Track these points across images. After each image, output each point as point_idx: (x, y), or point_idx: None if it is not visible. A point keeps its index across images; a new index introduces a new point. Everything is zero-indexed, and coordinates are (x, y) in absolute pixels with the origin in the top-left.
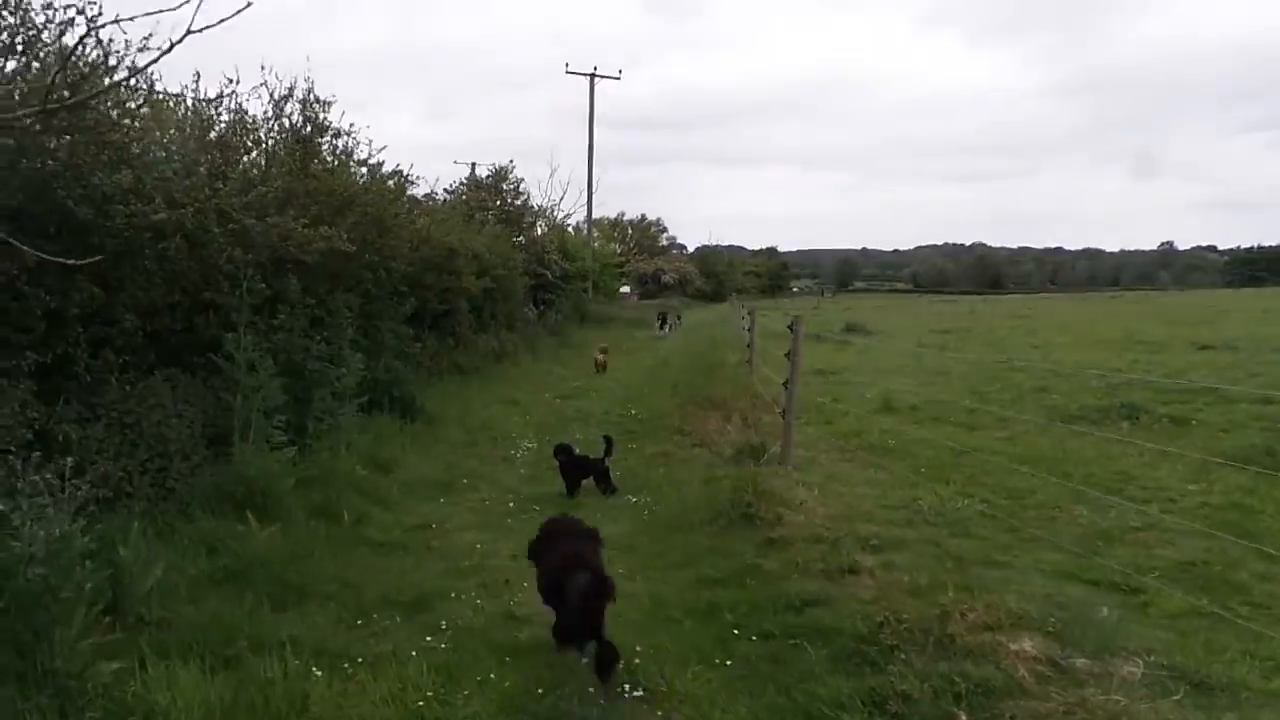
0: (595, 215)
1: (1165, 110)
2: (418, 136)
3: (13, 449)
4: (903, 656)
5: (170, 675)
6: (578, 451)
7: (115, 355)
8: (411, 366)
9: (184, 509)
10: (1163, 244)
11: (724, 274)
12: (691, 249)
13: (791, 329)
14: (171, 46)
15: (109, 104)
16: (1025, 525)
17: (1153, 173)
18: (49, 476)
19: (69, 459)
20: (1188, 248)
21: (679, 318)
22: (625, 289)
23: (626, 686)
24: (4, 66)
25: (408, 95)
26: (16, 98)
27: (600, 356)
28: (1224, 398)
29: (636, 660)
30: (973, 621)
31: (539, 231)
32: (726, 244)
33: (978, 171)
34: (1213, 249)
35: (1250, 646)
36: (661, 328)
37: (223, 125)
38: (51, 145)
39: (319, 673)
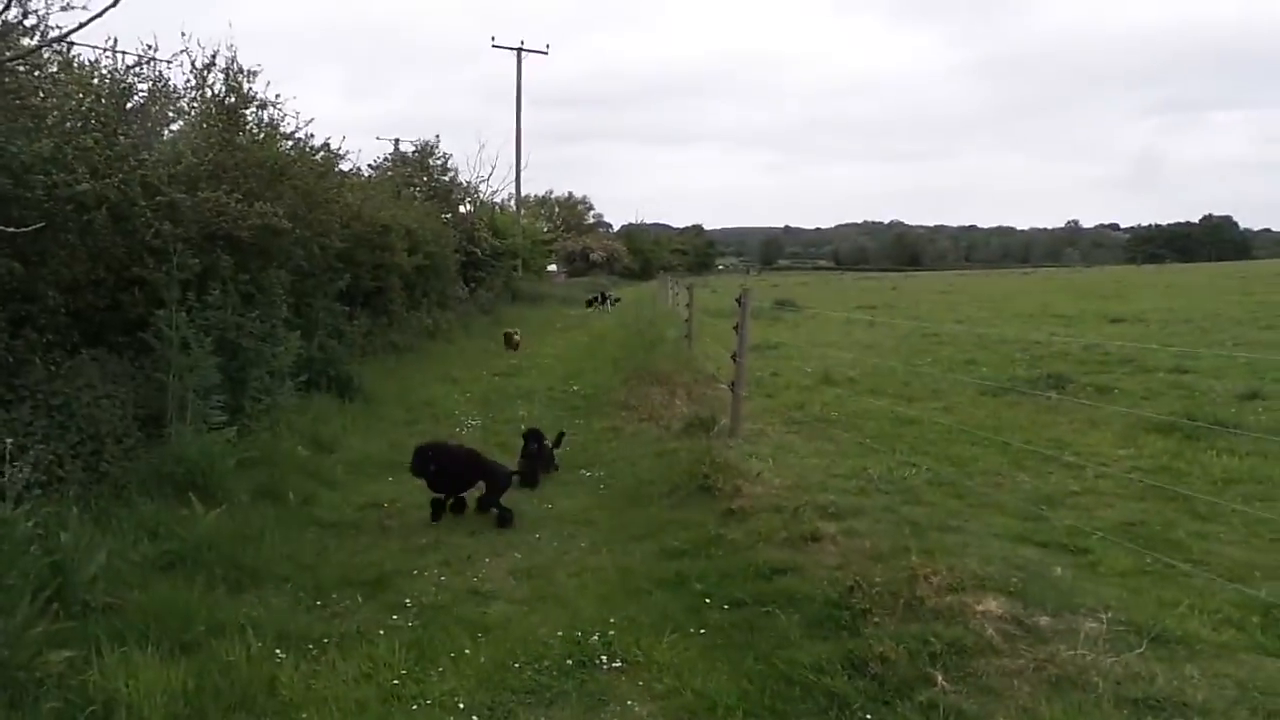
0: (523, 193)
1: (1073, 92)
2: (340, 113)
3: None
4: (875, 620)
5: (128, 662)
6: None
7: (38, 334)
8: (347, 345)
9: (120, 493)
10: (1069, 222)
11: (651, 252)
12: (618, 227)
13: (739, 302)
14: (103, 12)
15: (24, 68)
16: (972, 492)
17: (1059, 153)
18: None
19: (9, 440)
20: (1092, 225)
21: (618, 299)
22: (553, 268)
23: (603, 658)
24: None
25: (328, 70)
26: None
27: (515, 336)
28: (1141, 367)
29: (611, 632)
30: (938, 584)
31: (467, 208)
32: (652, 222)
33: (896, 151)
34: (1115, 227)
35: (1197, 601)
36: (596, 305)
37: (142, 94)
38: None
39: (283, 655)
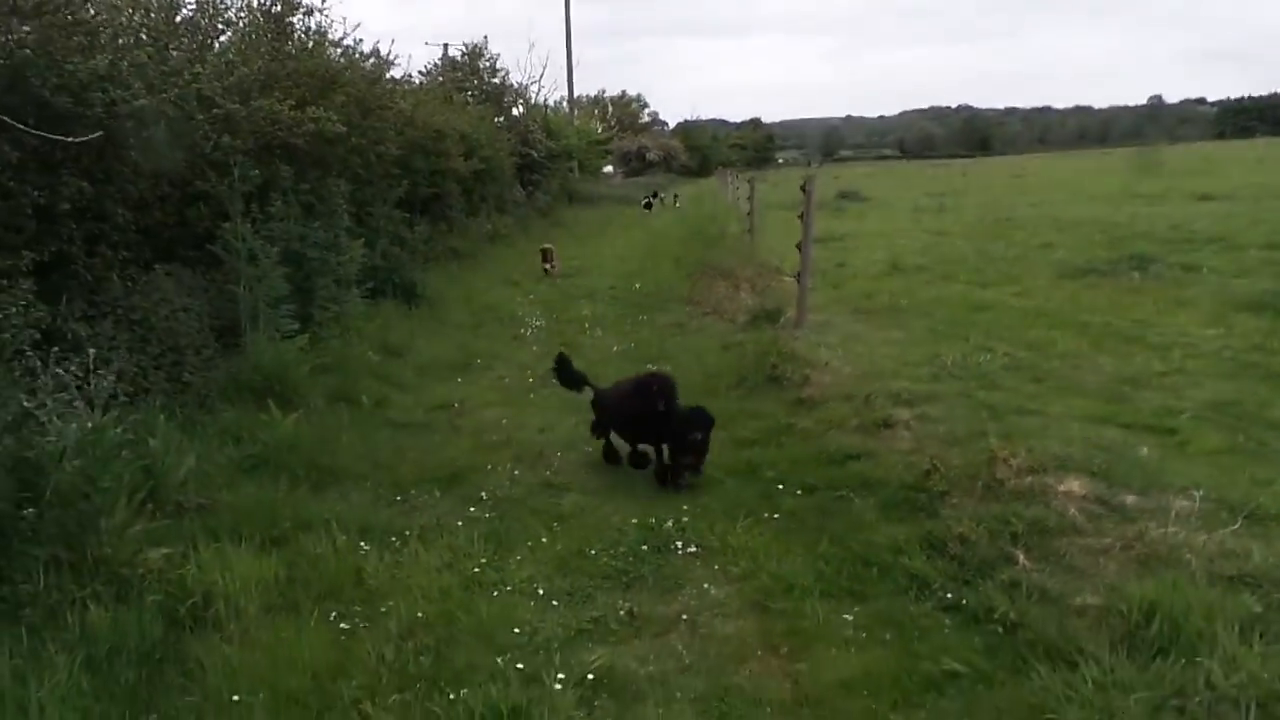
0: (575, 94)
1: None
2: (387, 20)
3: (26, 349)
4: (953, 501)
5: (222, 556)
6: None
7: (112, 251)
8: (409, 252)
9: (203, 402)
10: (1152, 98)
11: (708, 148)
12: (673, 125)
13: (804, 189)
14: None
15: None
16: (1051, 375)
17: (1139, 24)
18: (69, 371)
19: (91, 351)
20: (1177, 100)
21: (675, 196)
22: (609, 169)
23: (678, 544)
24: None
25: None
26: None
27: (548, 264)
28: (1231, 245)
29: (684, 519)
30: (1018, 466)
31: (520, 111)
32: (709, 118)
33: (963, 31)
34: (1202, 101)
35: None
36: (648, 208)
37: (190, 6)
38: (21, 32)
39: (368, 547)
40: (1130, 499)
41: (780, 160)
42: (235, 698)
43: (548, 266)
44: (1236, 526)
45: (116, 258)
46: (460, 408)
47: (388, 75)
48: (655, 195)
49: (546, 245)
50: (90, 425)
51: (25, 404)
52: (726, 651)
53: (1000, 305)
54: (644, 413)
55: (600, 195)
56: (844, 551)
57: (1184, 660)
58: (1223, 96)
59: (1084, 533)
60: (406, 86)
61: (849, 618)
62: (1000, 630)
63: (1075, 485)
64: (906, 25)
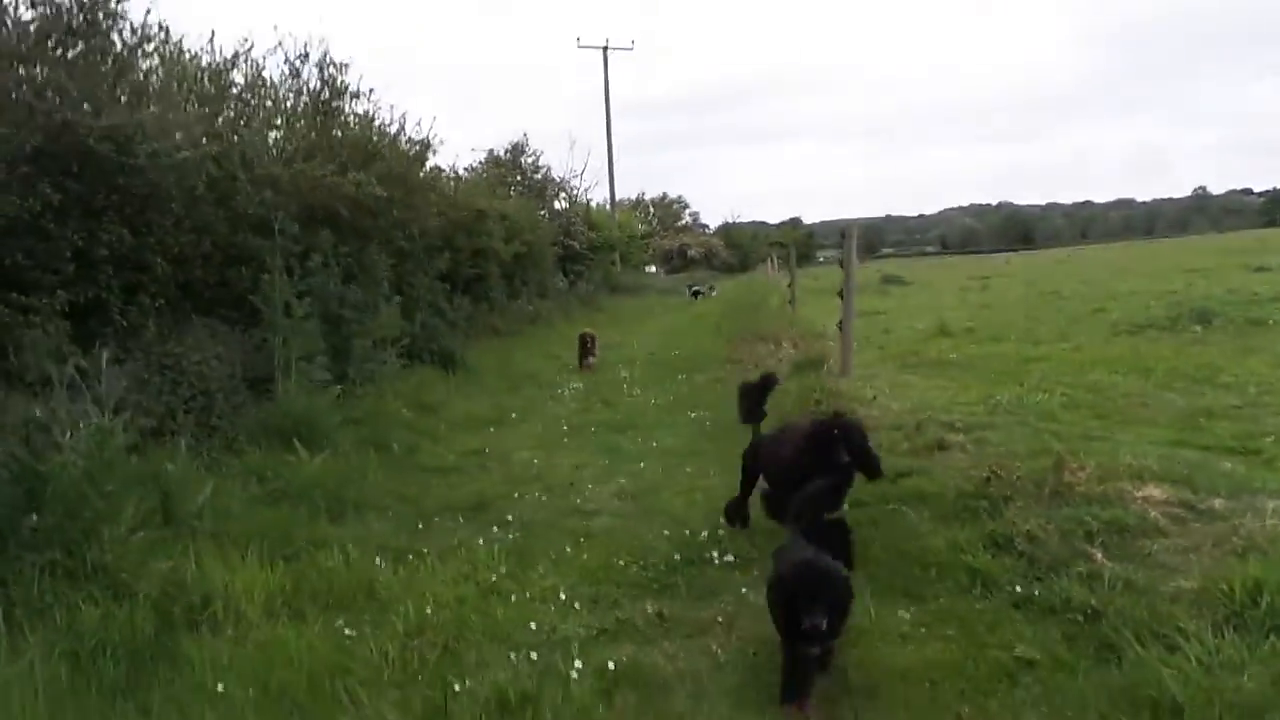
0: (617, 197)
1: (1191, 55)
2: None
3: (52, 383)
4: (1018, 505)
5: (227, 565)
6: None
7: (150, 300)
8: (448, 324)
9: (230, 444)
10: (1196, 190)
11: (749, 246)
12: (714, 227)
13: (843, 234)
14: None
15: (123, 40)
16: (1115, 411)
17: (1180, 119)
18: (83, 383)
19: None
20: (1223, 191)
21: (711, 288)
22: (651, 268)
23: (714, 554)
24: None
25: (420, 99)
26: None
27: (589, 356)
28: None
29: (721, 533)
30: (1088, 475)
31: (562, 204)
32: (749, 220)
33: (1001, 131)
34: (1248, 192)
35: None
36: (696, 296)
37: (239, 85)
38: (70, 87)
39: (383, 564)
40: (1218, 502)
41: (821, 258)
42: (220, 688)
43: (590, 360)
44: None
45: (153, 306)
46: (491, 453)
47: (431, 153)
48: (703, 287)
49: (587, 330)
50: (94, 423)
51: (37, 413)
52: (766, 651)
53: (1055, 357)
54: (819, 465)
55: (642, 286)
56: (898, 556)
57: None
58: (1269, 187)
59: (1168, 534)
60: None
61: (905, 615)
62: (1080, 619)
63: (1155, 491)
64: (943, 127)
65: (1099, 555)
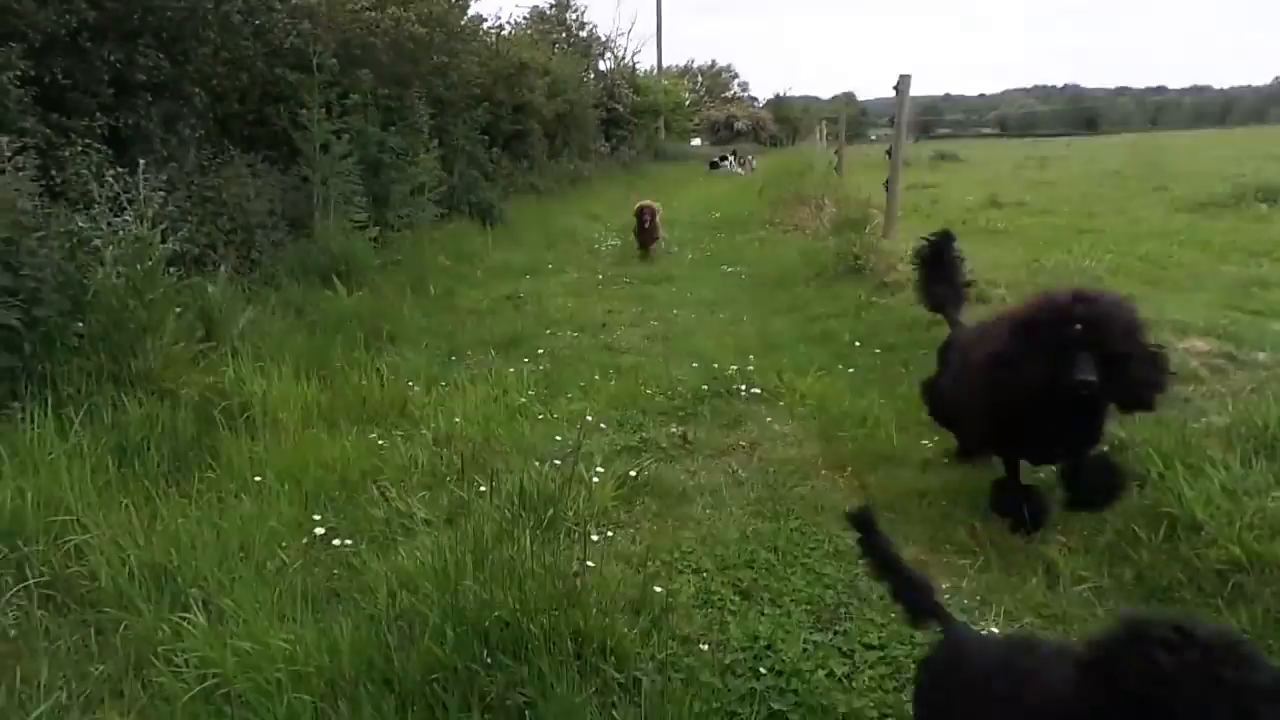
0: (664, 63)
1: None
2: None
3: (97, 201)
4: None
5: (267, 377)
6: None
7: (190, 131)
8: (487, 178)
9: (270, 279)
10: (1277, 77)
11: (799, 120)
12: (763, 101)
13: (895, 89)
14: None
15: None
16: (1166, 280)
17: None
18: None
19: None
20: None
21: (751, 159)
22: (696, 141)
23: (742, 388)
24: None
25: None
26: None
27: (650, 241)
28: None
29: (750, 369)
30: None
31: (607, 64)
32: (800, 95)
33: (1071, 6)
34: None
35: None
36: (722, 165)
37: None
38: None
39: (416, 387)
40: (1261, 356)
41: (873, 136)
42: (258, 479)
43: (652, 244)
44: None
45: (193, 137)
46: (526, 297)
47: (471, 5)
48: (733, 156)
49: (647, 203)
50: (134, 233)
51: (79, 224)
52: (786, 470)
53: (1109, 230)
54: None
55: (686, 154)
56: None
57: None
58: None
59: (1206, 382)
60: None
61: (928, 443)
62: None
63: (1199, 343)
64: (1008, 2)
65: None
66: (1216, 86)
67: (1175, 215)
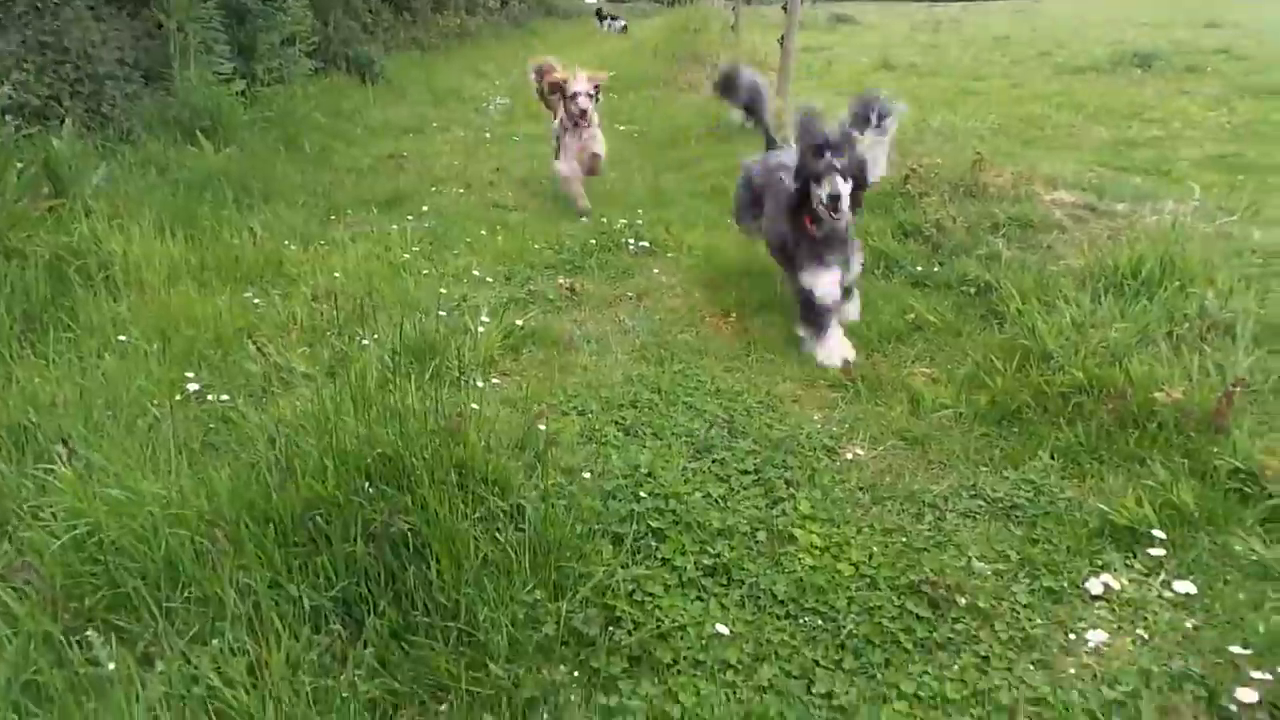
0: None
1: None
2: None
3: None
4: (932, 200)
5: (126, 236)
6: None
7: None
8: (365, 31)
9: (126, 135)
10: None
11: None
12: None
13: None
14: None
15: None
16: (1043, 139)
17: None
18: None
19: None
20: None
21: (622, 20)
22: None
23: (630, 242)
24: None
25: None
26: None
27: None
28: (1236, 56)
29: (639, 223)
30: (1005, 179)
31: None
32: None
33: None
34: None
35: None
36: (603, 24)
37: None
38: None
39: (293, 246)
40: (1121, 206)
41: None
42: (122, 339)
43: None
44: (1236, 218)
45: None
46: (410, 156)
47: None
48: (611, 18)
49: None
50: None
51: None
52: (672, 318)
53: (993, 92)
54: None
55: (580, 10)
56: None
57: (1178, 291)
58: None
59: (1068, 230)
60: None
61: None
62: (972, 292)
63: (1065, 195)
64: None
65: (1000, 244)
66: None
67: (1056, 79)
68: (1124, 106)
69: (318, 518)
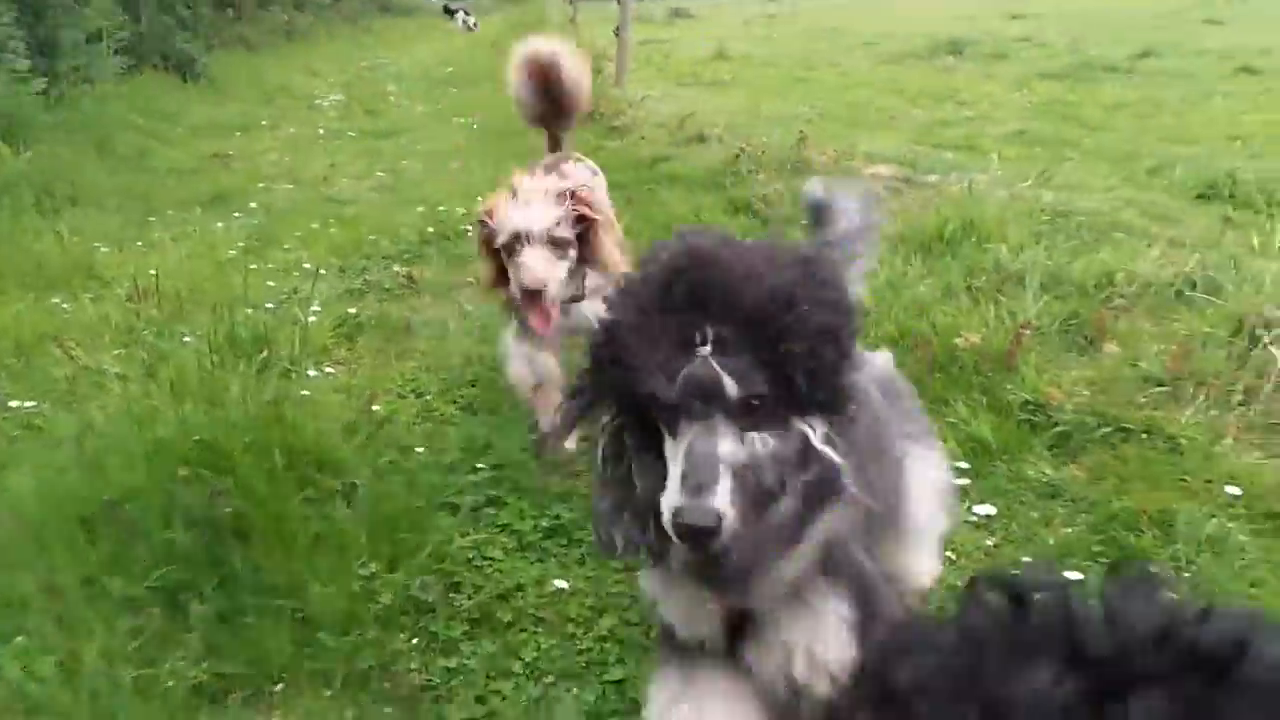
0: None
1: None
2: None
3: None
4: (761, 177)
5: None
6: None
7: None
8: (184, 27)
9: None
10: None
11: None
12: None
13: None
14: None
15: None
16: (866, 121)
17: None
18: None
19: None
20: None
21: (472, 18)
22: None
23: (469, 228)
24: None
25: None
26: None
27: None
28: (1037, 44)
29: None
30: (828, 157)
31: None
32: None
33: None
34: None
35: (1091, 166)
36: (454, 18)
37: None
38: None
39: (106, 249)
40: (933, 178)
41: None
42: None
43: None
44: (1029, 183)
45: None
46: (236, 155)
47: None
48: (463, 11)
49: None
50: None
51: None
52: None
53: (822, 80)
54: None
55: (421, 7)
56: (646, 222)
57: (977, 247)
58: None
59: (887, 200)
60: None
61: None
62: None
63: (882, 169)
64: None
65: None
66: None
67: (879, 67)
68: (939, 90)
69: (129, 509)
